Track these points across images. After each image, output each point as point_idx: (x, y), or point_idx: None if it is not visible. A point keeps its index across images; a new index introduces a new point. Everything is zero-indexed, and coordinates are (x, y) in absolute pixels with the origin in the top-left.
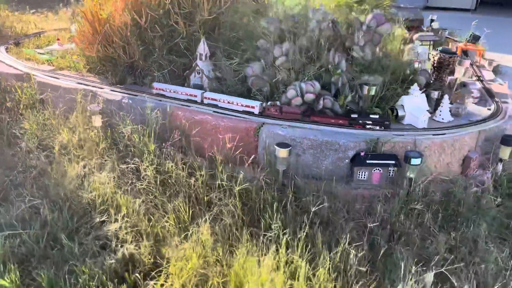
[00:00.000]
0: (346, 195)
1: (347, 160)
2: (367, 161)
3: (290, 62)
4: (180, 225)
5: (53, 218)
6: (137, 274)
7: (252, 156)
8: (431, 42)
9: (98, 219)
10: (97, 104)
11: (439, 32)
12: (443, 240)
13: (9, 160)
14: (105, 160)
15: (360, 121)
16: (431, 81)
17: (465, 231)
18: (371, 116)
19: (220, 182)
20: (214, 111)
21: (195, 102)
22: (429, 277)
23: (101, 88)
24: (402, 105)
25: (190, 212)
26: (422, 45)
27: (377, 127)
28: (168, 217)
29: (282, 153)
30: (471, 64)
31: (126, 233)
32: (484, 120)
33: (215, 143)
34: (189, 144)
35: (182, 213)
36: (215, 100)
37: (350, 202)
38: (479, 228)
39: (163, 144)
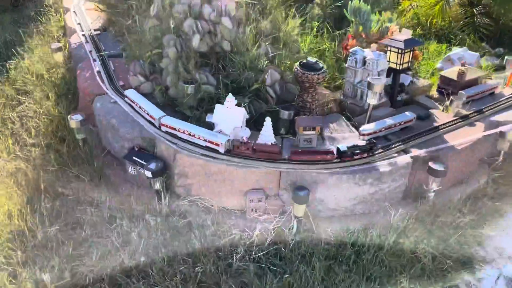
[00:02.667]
0: (115, 183)
1: (126, 150)
2: (133, 157)
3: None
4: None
5: None
6: None
7: None
8: (400, 50)
9: None
10: (57, 43)
11: None
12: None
13: None
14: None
15: (349, 153)
16: (295, 99)
17: None
18: (357, 144)
19: None
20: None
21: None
22: None
23: (83, 35)
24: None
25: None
26: (391, 51)
27: (365, 155)
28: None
29: (72, 123)
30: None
31: None
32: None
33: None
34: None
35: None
36: (174, 129)
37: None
38: None
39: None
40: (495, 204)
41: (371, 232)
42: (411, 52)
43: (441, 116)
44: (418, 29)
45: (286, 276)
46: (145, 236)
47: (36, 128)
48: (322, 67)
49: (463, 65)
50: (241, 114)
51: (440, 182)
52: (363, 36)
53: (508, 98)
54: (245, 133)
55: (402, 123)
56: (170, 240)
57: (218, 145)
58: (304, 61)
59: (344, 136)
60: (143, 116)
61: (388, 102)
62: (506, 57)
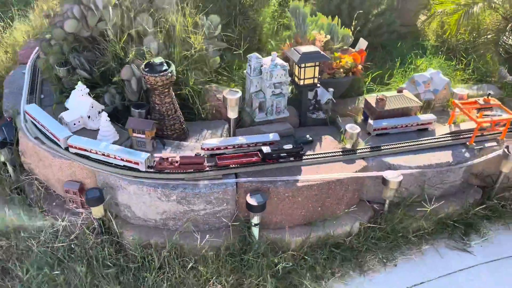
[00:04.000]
0: None
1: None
2: (2, 127)
3: None
4: None
5: None
6: None
7: None
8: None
9: None
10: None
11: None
12: None
13: None
14: None
15: (273, 155)
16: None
17: None
18: (283, 147)
19: None
20: None
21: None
22: None
23: None
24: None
25: None
26: (294, 63)
27: (292, 158)
28: None
29: None
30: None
31: None
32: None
33: None
34: None
35: None
36: (85, 150)
37: None
38: None
39: None
40: (358, 260)
41: (164, 252)
42: (316, 67)
43: (330, 145)
44: (431, 40)
45: (56, 273)
46: None
47: None
48: (166, 69)
49: (399, 91)
50: (88, 104)
51: (260, 217)
52: (298, 40)
53: (430, 139)
54: (96, 124)
55: (260, 144)
56: None
57: (137, 164)
58: (150, 61)
59: (195, 146)
60: (47, 137)
61: (291, 118)
62: (455, 90)
